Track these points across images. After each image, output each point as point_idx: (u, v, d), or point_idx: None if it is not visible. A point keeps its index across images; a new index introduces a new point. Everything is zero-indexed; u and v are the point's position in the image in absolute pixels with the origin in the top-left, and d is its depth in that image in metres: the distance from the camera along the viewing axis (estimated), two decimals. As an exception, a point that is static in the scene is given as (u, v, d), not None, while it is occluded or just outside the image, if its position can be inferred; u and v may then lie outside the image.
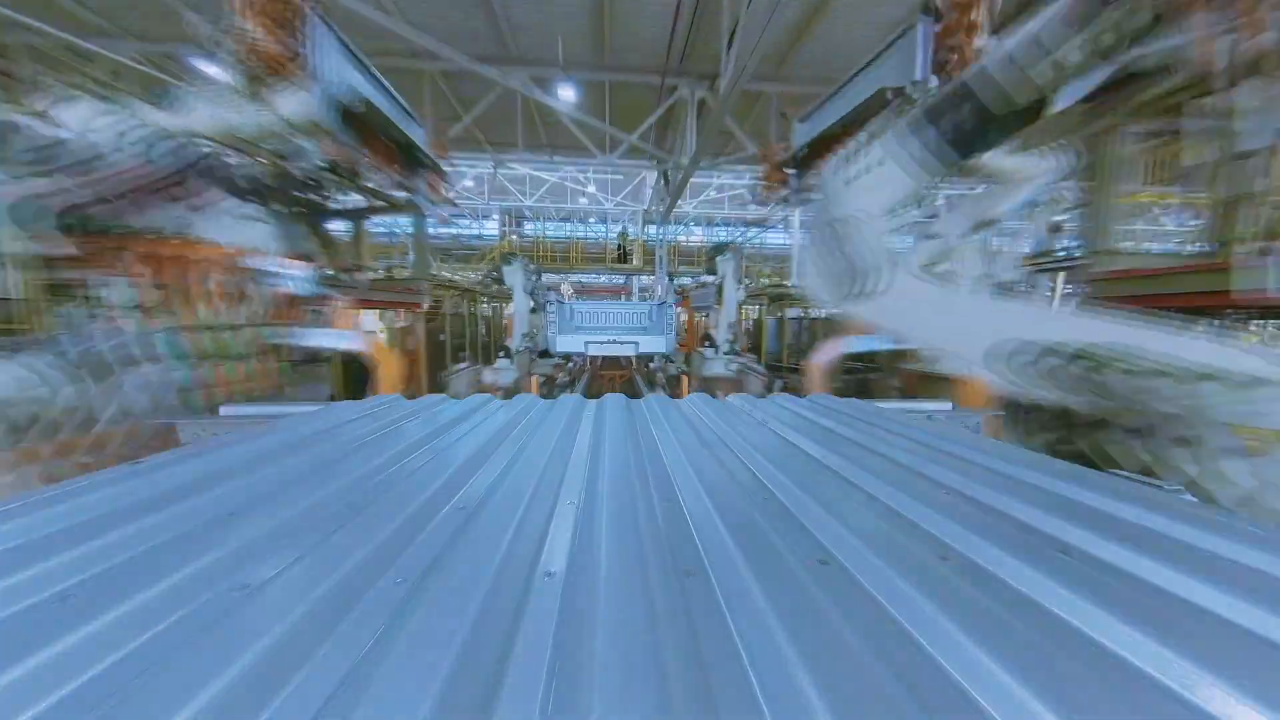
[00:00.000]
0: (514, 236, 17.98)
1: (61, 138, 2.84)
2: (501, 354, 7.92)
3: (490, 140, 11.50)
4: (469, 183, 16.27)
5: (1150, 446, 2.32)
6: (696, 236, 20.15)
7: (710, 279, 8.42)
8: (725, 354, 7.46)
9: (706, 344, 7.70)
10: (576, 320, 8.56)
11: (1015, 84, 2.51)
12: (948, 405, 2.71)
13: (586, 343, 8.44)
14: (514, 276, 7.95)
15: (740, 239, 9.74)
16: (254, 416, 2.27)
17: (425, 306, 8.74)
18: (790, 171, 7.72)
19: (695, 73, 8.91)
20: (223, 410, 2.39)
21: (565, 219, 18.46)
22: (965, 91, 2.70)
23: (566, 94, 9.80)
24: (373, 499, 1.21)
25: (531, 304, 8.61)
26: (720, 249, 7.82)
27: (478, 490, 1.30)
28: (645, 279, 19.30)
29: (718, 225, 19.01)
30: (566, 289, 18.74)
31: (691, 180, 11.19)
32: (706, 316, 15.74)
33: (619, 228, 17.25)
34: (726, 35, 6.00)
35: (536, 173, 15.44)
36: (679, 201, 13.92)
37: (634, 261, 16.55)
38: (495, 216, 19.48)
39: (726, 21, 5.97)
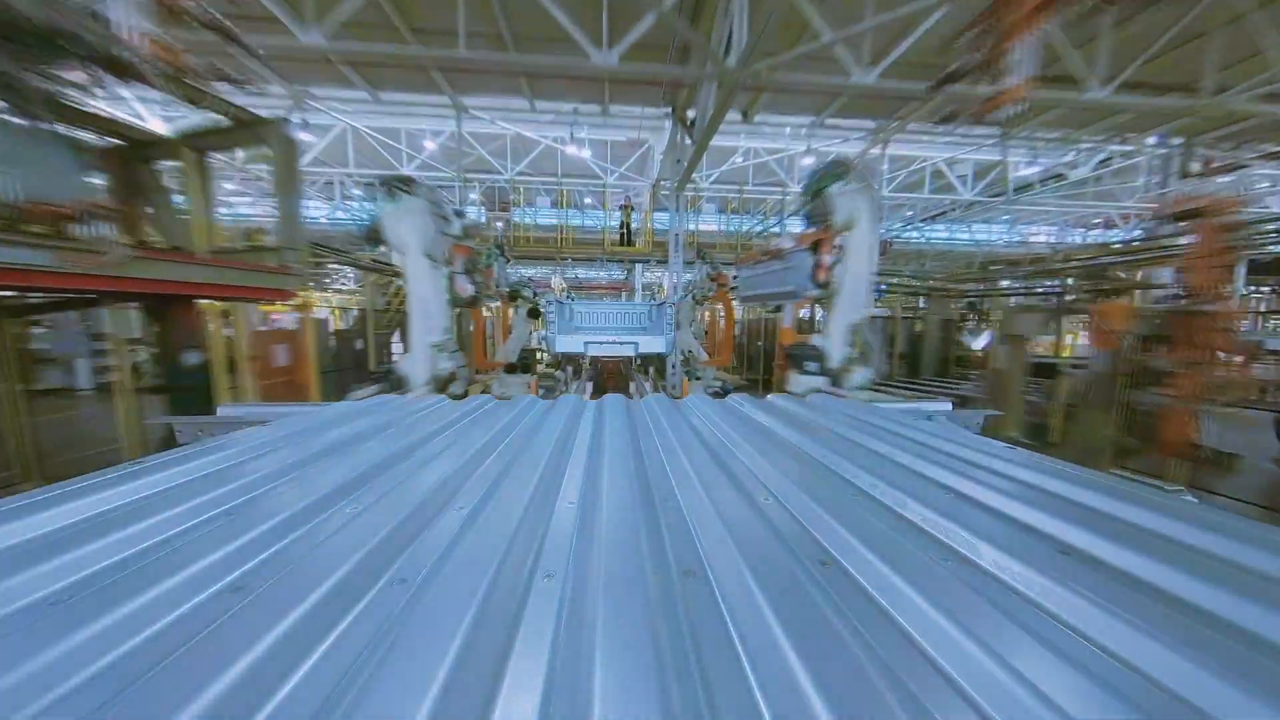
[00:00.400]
0: (499, 224, 16.36)
1: None
2: (381, 383, 4.25)
3: (414, 24, 7.79)
4: (430, 144, 12.97)
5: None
6: (709, 224, 17.09)
7: (787, 248, 4.56)
8: (859, 387, 3.90)
9: (811, 360, 4.00)
10: (576, 320, 8.23)
11: None
12: (947, 405, 2.67)
13: (586, 343, 8.17)
14: (399, 223, 4.02)
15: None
16: (251, 416, 2.30)
17: (306, 298, 5.36)
18: None
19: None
20: (220, 410, 2.41)
21: (555, 203, 15.56)
22: None
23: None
24: (372, 499, 1.28)
25: (471, 290, 4.98)
26: (837, 172, 4.02)
27: (477, 490, 1.36)
28: (649, 275, 16.15)
29: (742, 215, 15.76)
30: (557, 282, 15.82)
31: (709, 146, 8.57)
32: (777, 311, 11.61)
33: (621, 205, 14.13)
34: None
35: (514, 127, 12.12)
36: (690, 175, 10.46)
37: (638, 245, 13.27)
38: (475, 197, 16.41)
39: None
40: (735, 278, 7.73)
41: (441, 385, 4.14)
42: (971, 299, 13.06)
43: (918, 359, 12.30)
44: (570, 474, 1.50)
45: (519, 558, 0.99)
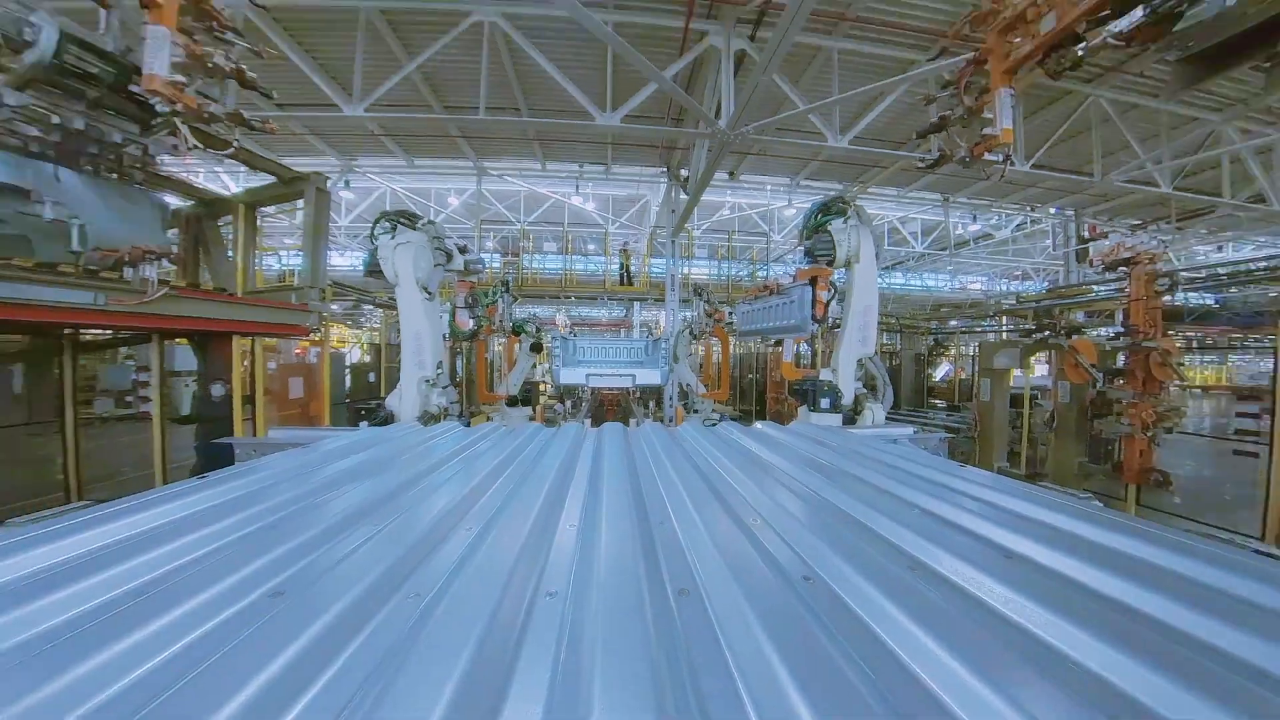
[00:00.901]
0: (510, 270, 16.32)
1: None
2: (369, 420, 4.07)
3: (445, 102, 8.60)
4: (453, 200, 13.38)
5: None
6: (701, 269, 17.34)
7: (787, 284, 4.53)
8: (876, 425, 3.63)
9: (825, 396, 3.66)
10: (579, 354, 8.61)
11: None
12: (909, 430, 2.77)
13: (588, 375, 8.48)
14: (395, 254, 3.87)
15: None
16: (296, 439, 2.40)
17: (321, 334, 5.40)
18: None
19: (732, 15, 5.99)
20: (270, 433, 2.59)
21: (561, 251, 15.87)
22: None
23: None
24: (392, 517, 1.29)
25: (472, 324, 4.96)
26: (838, 208, 3.88)
27: (486, 511, 1.36)
28: (646, 314, 16.27)
29: (731, 261, 15.98)
30: (562, 319, 15.87)
31: (700, 201, 9.26)
32: (777, 346, 11.45)
33: (620, 248, 14.32)
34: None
35: (528, 184, 12.54)
36: (683, 225, 10.72)
37: (637, 285, 13.46)
38: (490, 245, 16.76)
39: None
40: (731, 314, 7.76)
41: (433, 423, 3.68)
42: (937, 335, 13.30)
43: (896, 391, 12.33)
44: (573, 495, 1.49)
45: (524, 576, 0.98)
